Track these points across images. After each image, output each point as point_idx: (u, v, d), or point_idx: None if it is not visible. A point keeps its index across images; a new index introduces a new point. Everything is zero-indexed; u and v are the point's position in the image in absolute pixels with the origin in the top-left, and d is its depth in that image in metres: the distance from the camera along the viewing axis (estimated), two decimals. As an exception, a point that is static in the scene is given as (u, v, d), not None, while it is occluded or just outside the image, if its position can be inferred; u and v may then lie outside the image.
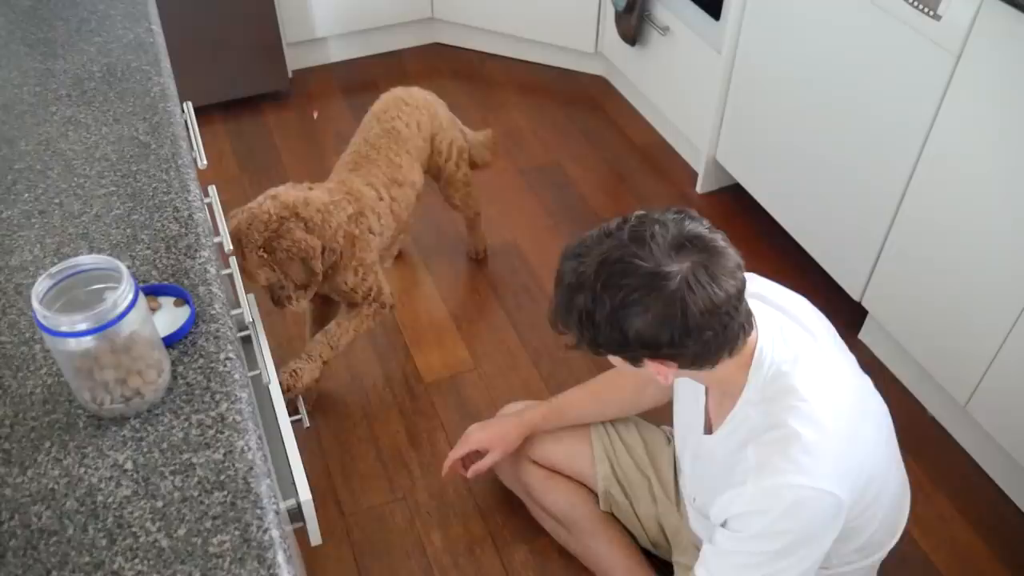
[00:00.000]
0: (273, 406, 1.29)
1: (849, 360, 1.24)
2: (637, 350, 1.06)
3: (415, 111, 2.00)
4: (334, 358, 1.89)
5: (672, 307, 1.00)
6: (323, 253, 1.71)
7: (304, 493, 1.46)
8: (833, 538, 1.12)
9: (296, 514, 1.46)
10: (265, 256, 1.65)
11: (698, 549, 1.46)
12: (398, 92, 2.05)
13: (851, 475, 1.11)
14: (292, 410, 1.74)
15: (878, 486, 1.20)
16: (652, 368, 1.10)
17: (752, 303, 1.12)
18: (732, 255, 1.04)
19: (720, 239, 1.05)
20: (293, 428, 1.56)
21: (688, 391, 1.33)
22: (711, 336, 1.03)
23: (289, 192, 1.71)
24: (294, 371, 1.78)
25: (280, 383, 1.66)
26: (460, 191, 2.20)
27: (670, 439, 1.63)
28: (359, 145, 1.94)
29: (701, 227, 1.04)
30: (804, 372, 1.12)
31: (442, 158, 2.09)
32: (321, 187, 1.81)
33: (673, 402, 1.43)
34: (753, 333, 1.12)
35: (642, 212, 1.07)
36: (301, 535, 1.41)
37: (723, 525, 1.16)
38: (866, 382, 1.25)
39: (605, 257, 1.03)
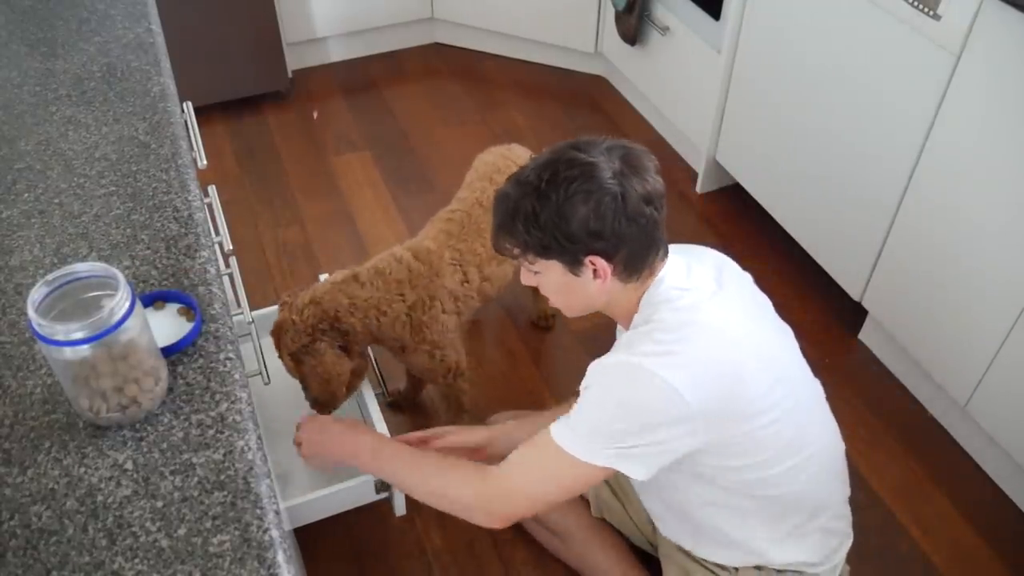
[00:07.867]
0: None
1: (758, 317, 1.25)
2: (581, 242, 1.12)
3: None
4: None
5: (612, 191, 1.10)
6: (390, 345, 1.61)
7: None
8: (676, 438, 1.12)
9: (382, 485, 1.48)
10: (292, 364, 1.53)
11: (679, 549, 1.45)
12: (504, 152, 1.86)
13: (715, 393, 1.11)
14: (375, 384, 1.85)
15: (782, 434, 1.20)
16: (592, 270, 1.15)
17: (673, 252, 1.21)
18: (653, 162, 1.16)
19: (640, 147, 1.16)
20: (377, 399, 1.63)
21: None
22: (645, 225, 1.12)
23: (335, 292, 1.53)
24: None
25: None
26: None
27: None
28: (471, 206, 1.72)
29: (625, 141, 1.16)
30: (691, 299, 1.16)
31: None
32: (393, 255, 1.63)
33: None
34: (663, 263, 1.19)
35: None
36: (383, 506, 1.52)
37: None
38: (784, 343, 1.26)
39: (545, 161, 1.13)
